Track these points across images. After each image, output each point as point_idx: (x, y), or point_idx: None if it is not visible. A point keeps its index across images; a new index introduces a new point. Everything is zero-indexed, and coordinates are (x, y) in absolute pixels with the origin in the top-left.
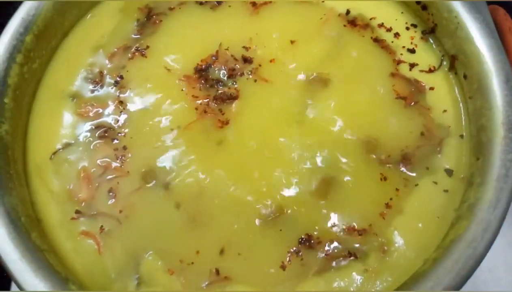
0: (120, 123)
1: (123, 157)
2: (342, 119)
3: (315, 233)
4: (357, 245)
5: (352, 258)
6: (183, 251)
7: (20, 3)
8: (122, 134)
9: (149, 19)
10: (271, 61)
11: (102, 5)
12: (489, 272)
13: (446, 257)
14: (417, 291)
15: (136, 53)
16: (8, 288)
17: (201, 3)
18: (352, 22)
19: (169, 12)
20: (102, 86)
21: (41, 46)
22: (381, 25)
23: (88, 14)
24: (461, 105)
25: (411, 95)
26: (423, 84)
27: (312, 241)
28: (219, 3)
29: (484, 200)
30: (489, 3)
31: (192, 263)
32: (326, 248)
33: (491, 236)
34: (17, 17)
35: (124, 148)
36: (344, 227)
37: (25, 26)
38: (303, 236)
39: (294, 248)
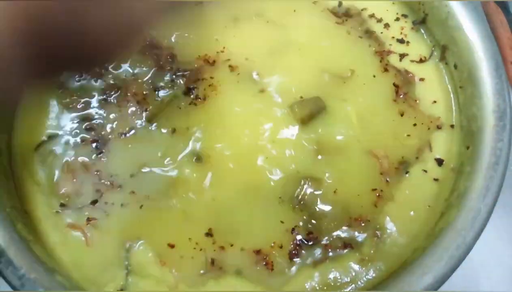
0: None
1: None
2: None
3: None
4: (352, 233)
5: (347, 249)
6: (174, 240)
7: None
8: (109, 129)
9: None
10: None
11: None
12: (481, 266)
13: (435, 245)
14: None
15: None
16: None
17: None
18: (345, 14)
19: None
20: (88, 75)
21: None
22: (371, 16)
23: None
24: (451, 95)
25: (401, 85)
26: (413, 75)
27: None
28: None
29: (474, 189)
30: None
31: (185, 253)
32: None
33: (480, 224)
34: None
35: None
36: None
37: None
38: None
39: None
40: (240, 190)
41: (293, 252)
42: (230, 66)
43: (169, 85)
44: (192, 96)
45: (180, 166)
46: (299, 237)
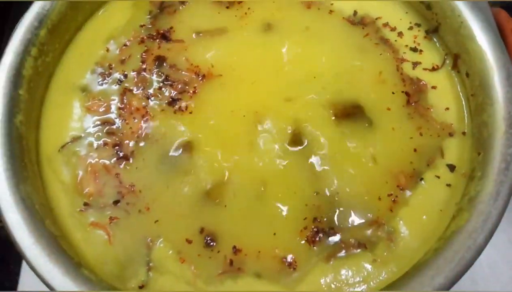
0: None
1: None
2: None
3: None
4: (367, 234)
5: (360, 249)
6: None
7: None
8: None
9: (162, 10)
10: None
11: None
12: (489, 268)
13: (447, 247)
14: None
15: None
16: (15, 288)
17: None
18: (360, 22)
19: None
20: (110, 80)
21: (54, 40)
22: (386, 25)
23: (101, 9)
24: (463, 102)
25: (413, 94)
26: (425, 83)
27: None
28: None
29: (485, 193)
30: (491, 5)
31: (202, 251)
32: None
33: (491, 227)
34: (32, 11)
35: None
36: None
37: (39, 20)
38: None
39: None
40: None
41: (312, 239)
42: None
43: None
44: None
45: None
46: (320, 227)
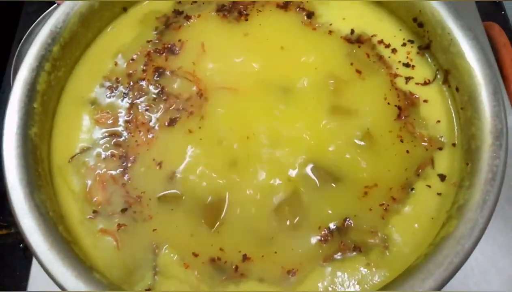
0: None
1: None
2: None
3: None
4: (363, 238)
5: (355, 252)
6: (197, 248)
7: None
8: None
9: (168, 27)
10: None
11: (122, 17)
12: (481, 274)
13: (436, 252)
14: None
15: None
16: (25, 288)
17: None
18: (357, 40)
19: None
20: (117, 93)
21: (66, 56)
22: (380, 42)
23: (109, 26)
24: (453, 115)
25: (405, 108)
26: (417, 97)
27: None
28: (241, 13)
29: (472, 202)
30: (484, 20)
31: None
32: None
33: (478, 234)
34: (45, 29)
35: (135, 160)
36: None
37: (52, 37)
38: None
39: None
40: None
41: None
42: None
43: None
44: None
45: None
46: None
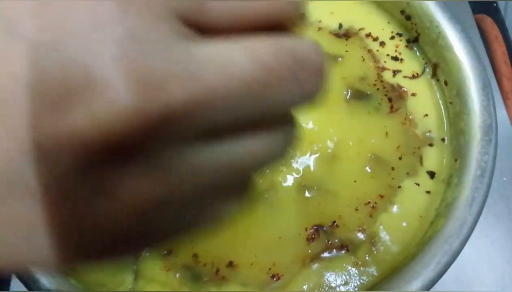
0: None
1: None
2: None
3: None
4: (351, 236)
5: (343, 251)
6: (179, 251)
7: None
8: None
9: None
10: None
11: None
12: (473, 272)
13: (424, 252)
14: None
15: None
16: (7, 288)
17: None
18: (345, 34)
19: None
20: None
21: None
22: (368, 35)
23: None
24: (442, 110)
25: (394, 100)
26: (405, 89)
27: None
28: None
29: (461, 199)
30: (476, 13)
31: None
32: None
33: (466, 233)
34: None
35: None
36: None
37: None
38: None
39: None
40: None
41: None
42: None
43: None
44: None
45: None
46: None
